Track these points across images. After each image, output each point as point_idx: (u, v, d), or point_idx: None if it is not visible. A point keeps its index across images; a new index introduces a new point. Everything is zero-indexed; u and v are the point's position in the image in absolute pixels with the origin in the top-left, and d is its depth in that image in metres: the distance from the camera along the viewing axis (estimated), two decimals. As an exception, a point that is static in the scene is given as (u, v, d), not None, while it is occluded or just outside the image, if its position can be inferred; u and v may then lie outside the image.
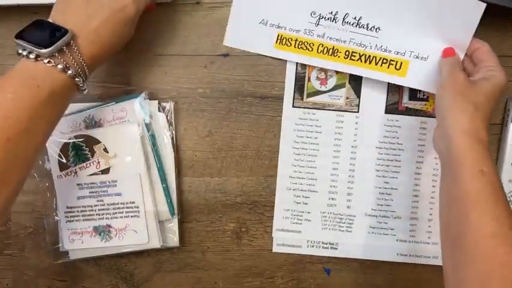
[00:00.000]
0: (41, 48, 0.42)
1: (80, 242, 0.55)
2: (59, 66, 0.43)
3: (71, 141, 0.54)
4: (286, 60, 0.56)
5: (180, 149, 0.57)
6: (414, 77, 0.53)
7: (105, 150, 0.54)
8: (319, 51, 0.54)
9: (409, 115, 0.56)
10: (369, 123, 0.56)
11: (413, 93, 0.56)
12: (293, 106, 0.56)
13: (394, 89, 0.56)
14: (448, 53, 0.52)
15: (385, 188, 0.57)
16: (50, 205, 0.55)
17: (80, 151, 0.54)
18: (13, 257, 0.57)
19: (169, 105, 0.56)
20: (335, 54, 0.54)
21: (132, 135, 0.54)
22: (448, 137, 0.46)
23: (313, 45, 0.54)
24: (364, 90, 0.56)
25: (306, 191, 0.57)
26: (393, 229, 0.57)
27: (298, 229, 0.57)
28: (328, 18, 0.53)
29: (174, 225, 0.56)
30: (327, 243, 0.58)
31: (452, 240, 0.43)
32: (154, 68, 0.56)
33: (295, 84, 0.56)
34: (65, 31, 0.43)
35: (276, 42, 0.55)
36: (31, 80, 0.42)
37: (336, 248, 0.58)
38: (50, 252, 0.56)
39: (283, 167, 0.57)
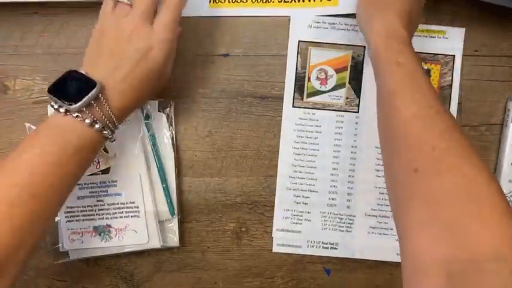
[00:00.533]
0: (70, 104, 0.43)
1: (80, 242, 0.55)
2: (87, 120, 0.43)
3: (71, 141, 0.54)
4: (286, 60, 0.56)
5: (180, 149, 0.57)
6: (345, 3, 0.54)
7: (105, 150, 0.54)
8: (253, 1, 0.55)
9: None
10: (369, 123, 0.56)
11: None
12: (293, 106, 0.56)
13: None
14: None
15: (385, 188, 0.57)
16: (50, 205, 0.55)
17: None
18: (13, 257, 0.57)
19: (169, 105, 0.56)
20: (269, 1, 0.55)
21: (132, 135, 0.54)
22: (368, 46, 0.47)
23: None
24: (364, 89, 0.56)
25: (306, 191, 0.57)
26: (393, 229, 0.57)
27: (298, 229, 0.57)
28: None
29: (174, 225, 0.56)
30: (327, 243, 0.58)
31: (384, 134, 0.44)
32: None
33: (295, 84, 0.56)
34: (93, 84, 0.43)
35: (210, 1, 0.55)
36: (58, 135, 0.43)
37: (336, 248, 0.58)
38: (50, 252, 0.56)
39: (283, 167, 0.57)
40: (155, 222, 0.55)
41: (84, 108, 0.43)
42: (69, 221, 0.55)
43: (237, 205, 0.57)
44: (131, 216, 0.54)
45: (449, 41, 0.55)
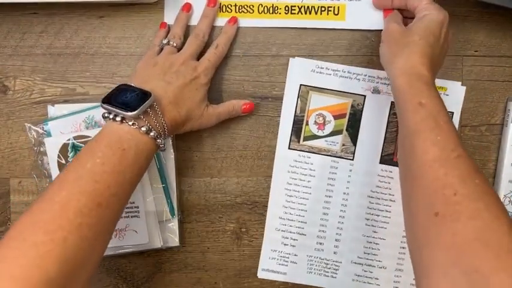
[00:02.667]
0: (127, 111, 0.44)
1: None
2: (143, 128, 0.45)
3: (70, 142, 0.54)
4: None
5: (180, 149, 0.57)
6: (353, 19, 0.55)
7: (105, 150, 0.54)
8: (260, 12, 0.55)
9: None
10: (363, 172, 0.57)
11: None
12: (289, 148, 0.57)
13: (390, 140, 0.56)
14: (387, 12, 0.54)
15: (373, 237, 0.57)
16: (50, 206, 0.55)
17: (79, 152, 0.54)
18: (13, 258, 0.57)
19: (169, 106, 0.56)
20: (276, 12, 0.55)
21: (132, 136, 0.54)
22: (391, 84, 0.48)
23: (253, 7, 0.55)
24: (361, 138, 0.56)
25: (294, 233, 0.57)
26: (378, 279, 0.57)
27: (283, 271, 0.57)
28: None
29: (174, 225, 0.56)
30: None
31: (404, 174, 0.45)
32: (154, 68, 0.56)
33: (292, 127, 0.56)
34: (149, 94, 0.45)
35: (218, 11, 0.55)
36: (117, 144, 0.44)
37: None
38: (50, 252, 0.56)
39: (273, 207, 0.57)
40: (155, 223, 0.55)
41: (141, 116, 0.45)
42: (69, 222, 0.54)
43: (237, 205, 0.57)
44: (131, 217, 0.54)
45: (450, 97, 0.56)
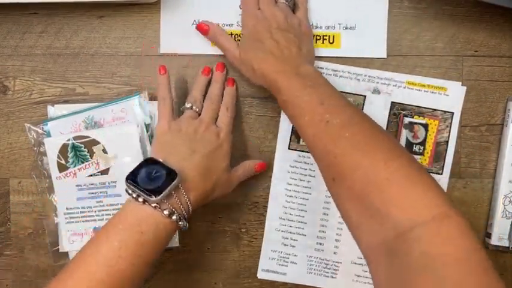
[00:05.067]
0: (150, 196, 0.44)
1: (80, 243, 0.54)
2: (165, 211, 0.45)
3: (70, 142, 0.54)
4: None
5: (180, 150, 0.57)
6: (347, 47, 0.56)
7: (104, 151, 0.54)
8: None
9: None
10: None
11: (409, 146, 0.56)
12: (289, 148, 0.57)
13: None
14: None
15: None
16: (50, 206, 0.55)
17: (79, 152, 0.54)
18: (13, 258, 0.57)
19: (169, 106, 0.56)
20: None
21: (131, 136, 0.54)
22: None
23: None
24: None
25: (294, 233, 0.57)
26: None
27: (283, 271, 0.57)
28: None
29: (174, 225, 0.56)
30: None
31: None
32: (154, 69, 0.56)
33: (292, 127, 0.56)
34: (174, 175, 0.45)
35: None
36: (136, 226, 0.44)
37: None
38: (50, 253, 0.56)
39: (274, 208, 0.57)
40: (155, 223, 0.54)
41: (164, 199, 0.44)
42: (69, 223, 0.54)
43: (237, 206, 0.57)
44: (131, 217, 0.54)
45: (450, 98, 0.56)
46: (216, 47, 0.56)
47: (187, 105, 0.53)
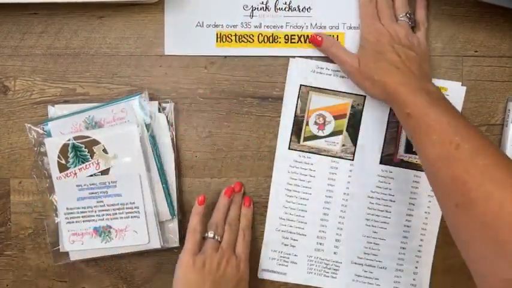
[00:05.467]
0: None
1: (80, 243, 0.55)
2: None
3: (70, 142, 0.54)
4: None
5: (180, 150, 0.57)
6: (352, 45, 0.55)
7: (105, 151, 0.54)
8: (260, 41, 0.56)
9: (404, 168, 0.57)
10: (363, 172, 0.57)
11: (409, 146, 0.56)
12: (289, 148, 0.57)
13: (390, 140, 0.57)
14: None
15: (374, 238, 0.57)
16: (50, 206, 0.55)
17: (79, 152, 0.54)
18: (13, 258, 0.57)
19: (169, 106, 0.56)
20: (276, 41, 0.56)
21: (132, 136, 0.54)
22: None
23: (253, 36, 0.56)
24: (361, 139, 0.56)
25: (294, 233, 0.57)
26: (378, 279, 0.57)
27: (283, 271, 0.58)
28: (261, 8, 0.55)
29: (174, 225, 0.56)
30: None
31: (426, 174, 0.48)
32: (154, 69, 0.56)
33: (292, 127, 0.56)
34: None
35: (217, 41, 0.56)
36: None
37: None
38: (50, 253, 0.56)
39: (274, 208, 0.57)
40: (155, 223, 0.55)
41: None
42: (70, 222, 0.55)
43: (237, 206, 0.57)
44: (131, 217, 0.54)
45: (450, 98, 0.54)
46: (221, 48, 0.56)
47: (210, 234, 0.53)
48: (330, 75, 0.56)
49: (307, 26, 0.56)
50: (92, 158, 0.54)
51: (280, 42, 0.56)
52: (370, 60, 0.51)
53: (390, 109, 0.56)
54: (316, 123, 0.57)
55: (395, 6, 0.54)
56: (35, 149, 0.55)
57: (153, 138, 0.55)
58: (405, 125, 0.48)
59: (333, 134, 0.57)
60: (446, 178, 0.42)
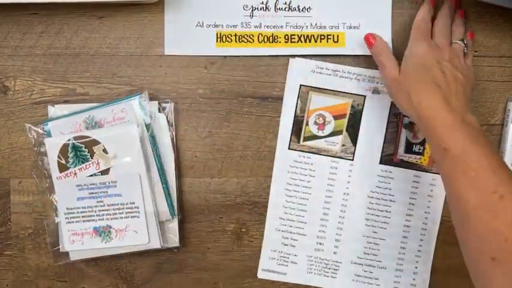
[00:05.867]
0: None
1: (80, 243, 0.55)
2: None
3: (70, 142, 0.54)
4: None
5: (180, 150, 0.57)
6: (352, 45, 0.56)
7: (105, 151, 0.54)
8: (260, 41, 0.56)
9: (404, 168, 0.57)
10: (363, 172, 0.57)
11: (409, 147, 0.56)
12: (289, 148, 0.57)
13: (390, 140, 0.57)
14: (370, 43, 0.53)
15: (374, 238, 0.57)
16: (50, 206, 0.55)
17: (79, 152, 0.54)
18: (13, 258, 0.57)
19: (169, 106, 0.56)
20: (276, 41, 0.56)
21: (132, 136, 0.54)
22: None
23: (253, 36, 0.56)
24: (361, 139, 0.56)
25: (294, 233, 0.57)
26: (378, 279, 0.57)
27: (283, 271, 0.58)
28: (260, 8, 0.56)
29: (174, 225, 0.56)
30: None
31: (454, 218, 0.45)
32: (154, 69, 0.56)
33: (292, 127, 0.56)
34: None
35: (217, 41, 0.56)
36: None
37: None
38: (50, 253, 0.56)
39: (274, 208, 0.57)
40: (155, 223, 0.55)
41: None
42: (69, 222, 0.55)
43: (237, 206, 0.57)
44: (131, 217, 0.54)
45: None
46: (221, 48, 0.56)
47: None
48: (330, 75, 0.56)
49: (307, 26, 0.56)
50: (92, 158, 0.54)
51: (280, 42, 0.56)
52: (412, 72, 0.48)
53: (390, 109, 0.56)
54: (316, 123, 0.57)
55: (452, 28, 0.52)
56: (35, 149, 0.55)
57: (153, 138, 0.55)
58: (439, 161, 0.44)
59: (333, 134, 0.57)
60: (484, 228, 0.40)
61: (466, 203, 0.41)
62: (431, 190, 0.57)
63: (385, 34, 0.55)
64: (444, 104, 0.45)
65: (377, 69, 0.56)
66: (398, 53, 0.56)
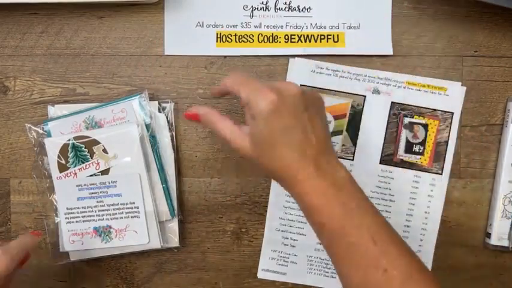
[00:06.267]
0: None
1: (80, 243, 0.55)
2: None
3: (70, 142, 0.54)
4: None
5: (180, 150, 0.57)
6: (352, 45, 0.56)
7: (105, 151, 0.54)
8: (260, 41, 0.56)
9: (404, 168, 0.57)
10: (363, 172, 0.56)
11: (409, 146, 0.56)
12: None
13: (390, 140, 0.56)
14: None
15: None
16: (50, 206, 0.55)
17: (79, 152, 0.54)
18: (13, 258, 0.57)
19: (169, 106, 0.56)
20: (276, 41, 0.56)
21: (131, 136, 0.54)
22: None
23: (253, 36, 0.56)
24: (361, 139, 0.56)
25: (294, 233, 0.57)
26: None
27: (283, 271, 0.57)
28: (260, 8, 0.56)
29: (174, 225, 0.56)
30: None
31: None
32: (154, 69, 0.56)
33: None
34: None
35: (217, 41, 0.56)
36: None
37: None
38: (50, 253, 0.56)
39: (274, 207, 0.57)
40: (155, 223, 0.55)
41: None
42: (69, 222, 0.55)
43: (237, 205, 0.57)
44: (131, 217, 0.54)
45: (450, 98, 0.56)
46: (221, 48, 0.56)
47: None
48: (330, 75, 0.56)
49: (307, 26, 0.56)
50: (91, 158, 0.54)
51: (280, 42, 0.56)
52: (264, 140, 0.40)
53: (390, 109, 0.56)
54: None
55: None
56: (35, 149, 0.55)
57: (153, 138, 0.55)
58: (318, 235, 0.39)
59: (333, 134, 0.57)
60: None
61: (350, 283, 0.37)
62: (432, 190, 0.57)
63: (385, 34, 0.55)
64: (297, 159, 0.39)
65: (377, 69, 0.56)
66: (399, 53, 0.56)
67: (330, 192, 0.38)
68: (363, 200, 0.40)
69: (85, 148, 0.54)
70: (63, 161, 0.54)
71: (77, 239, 0.55)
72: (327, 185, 0.38)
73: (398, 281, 0.35)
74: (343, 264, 0.38)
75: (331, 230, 0.38)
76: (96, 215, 0.54)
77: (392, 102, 0.56)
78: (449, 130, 0.56)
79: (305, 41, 0.56)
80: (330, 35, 0.56)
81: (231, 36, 0.56)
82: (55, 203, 0.55)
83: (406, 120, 0.56)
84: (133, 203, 0.54)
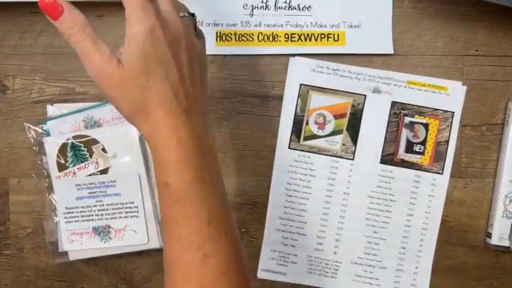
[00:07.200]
0: None
1: (79, 243, 0.55)
2: None
3: (69, 141, 0.54)
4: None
5: (179, 149, 0.57)
6: (353, 44, 0.55)
7: (104, 150, 0.54)
8: (260, 40, 0.56)
9: (404, 167, 0.57)
10: (363, 172, 0.56)
11: (410, 146, 0.56)
12: (289, 148, 0.56)
13: (391, 140, 0.56)
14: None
15: (374, 238, 0.57)
16: (49, 206, 0.55)
17: (78, 151, 0.54)
18: (12, 258, 0.57)
19: (168, 105, 0.55)
20: (275, 40, 0.56)
21: (131, 135, 0.54)
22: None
23: (253, 35, 0.56)
24: (361, 138, 0.56)
25: (294, 233, 0.57)
26: (378, 279, 0.57)
27: (283, 271, 0.57)
28: (260, 7, 0.55)
29: (173, 225, 0.56)
30: None
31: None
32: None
33: (292, 127, 0.56)
34: None
35: (217, 40, 0.56)
36: None
37: None
38: (49, 252, 0.56)
39: (274, 207, 0.57)
40: (155, 223, 0.55)
41: None
42: (69, 222, 0.54)
43: (237, 205, 0.57)
44: (130, 217, 0.54)
45: (451, 97, 0.56)
46: (221, 47, 0.55)
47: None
48: (330, 74, 0.56)
49: (307, 25, 0.56)
50: (91, 158, 0.54)
51: (280, 41, 0.56)
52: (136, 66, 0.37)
53: (390, 109, 0.56)
54: (316, 122, 0.56)
55: None
56: (34, 148, 0.55)
57: (152, 137, 0.55)
58: (159, 194, 0.37)
59: (333, 133, 0.56)
60: None
61: (170, 255, 0.36)
62: (432, 190, 0.56)
63: (386, 33, 0.55)
64: (171, 104, 0.36)
65: (378, 68, 0.56)
66: (400, 52, 0.56)
67: (190, 153, 0.35)
68: (217, 178, 0.38)
69: (84, 147, 0.54)
70: (62, 161, 0.54)
71: (76, 238, 0.55)
72: (192, 144, 0.35)
73: (213, 271, 0.34)
74: (170, 232, 0.36)
75: (173, 193, 0.35)
76: (96, 215, 0.54)
77: (392, 101, 0.56)
78: (450, 130, 0.56)
79: (305, 40, 0.56)
80: (331, 34, 0.56)
81: (231, 35, 0.56)
82: (54, 203, 0.55)
83: (407, 119, 0.56)
84: (133, 202, 0.54)
